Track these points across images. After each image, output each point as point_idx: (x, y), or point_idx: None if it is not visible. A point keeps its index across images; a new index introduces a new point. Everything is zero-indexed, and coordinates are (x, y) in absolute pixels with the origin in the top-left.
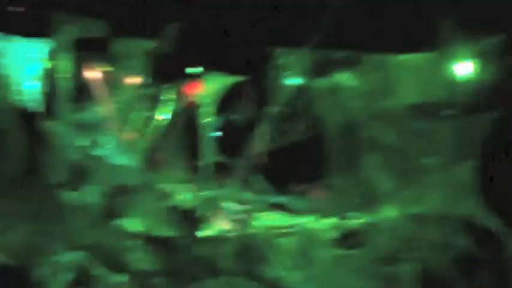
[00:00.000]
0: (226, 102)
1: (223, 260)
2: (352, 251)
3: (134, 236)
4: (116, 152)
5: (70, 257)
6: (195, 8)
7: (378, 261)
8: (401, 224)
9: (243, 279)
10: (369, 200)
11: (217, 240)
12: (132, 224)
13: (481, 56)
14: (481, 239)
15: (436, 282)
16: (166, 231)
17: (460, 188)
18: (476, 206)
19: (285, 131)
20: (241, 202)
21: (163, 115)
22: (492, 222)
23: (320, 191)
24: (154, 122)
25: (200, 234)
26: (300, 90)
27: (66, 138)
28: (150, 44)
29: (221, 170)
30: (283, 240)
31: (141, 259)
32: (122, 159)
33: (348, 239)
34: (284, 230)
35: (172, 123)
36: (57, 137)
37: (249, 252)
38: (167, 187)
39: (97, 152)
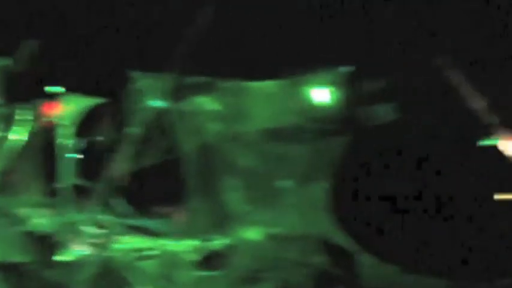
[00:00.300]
0: (86, 123)
1: (80, 285)
2: (214, 273)
3: None
4: None
5: None
6: (56, 26)
7: (240, 282)
8: (261, 244)
9: None
10: (228, 222)
11: (74, 264)
12: None
13: (332, 84)
14: (337, 257)
15: None
16: (20, 257)
17: (314, 208)
18: (328, 225)
19: (145, 153)
20: (100, 225)
21: (18, 136)
22: (343, 240)
23: (182, 213)
24: (9, 143)
25: (57, 259)
26: (160, 113)
27: None
28: (3, 61)
29: (81, 193)
30: (144, 263)
31: None
32: None
33: (210, 260)
34: (145, 253)
35: (28, 144)
36: None
37: (109, 275)
38: (22, 211)
39: None
